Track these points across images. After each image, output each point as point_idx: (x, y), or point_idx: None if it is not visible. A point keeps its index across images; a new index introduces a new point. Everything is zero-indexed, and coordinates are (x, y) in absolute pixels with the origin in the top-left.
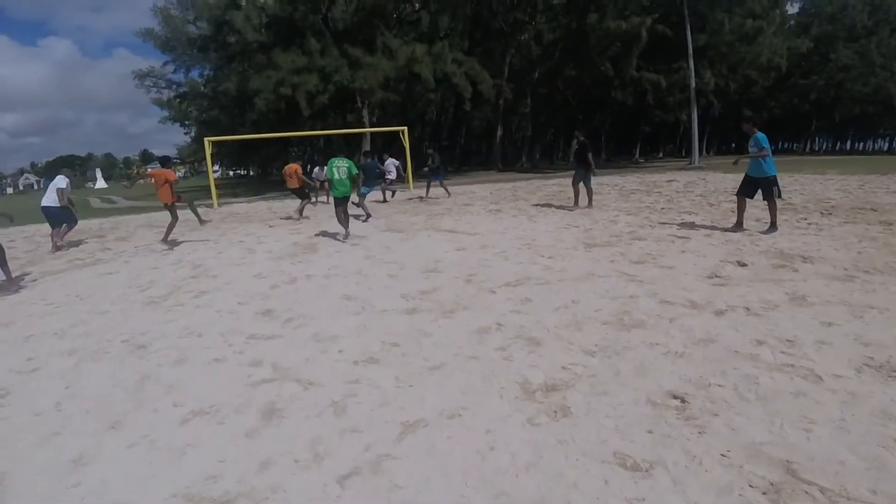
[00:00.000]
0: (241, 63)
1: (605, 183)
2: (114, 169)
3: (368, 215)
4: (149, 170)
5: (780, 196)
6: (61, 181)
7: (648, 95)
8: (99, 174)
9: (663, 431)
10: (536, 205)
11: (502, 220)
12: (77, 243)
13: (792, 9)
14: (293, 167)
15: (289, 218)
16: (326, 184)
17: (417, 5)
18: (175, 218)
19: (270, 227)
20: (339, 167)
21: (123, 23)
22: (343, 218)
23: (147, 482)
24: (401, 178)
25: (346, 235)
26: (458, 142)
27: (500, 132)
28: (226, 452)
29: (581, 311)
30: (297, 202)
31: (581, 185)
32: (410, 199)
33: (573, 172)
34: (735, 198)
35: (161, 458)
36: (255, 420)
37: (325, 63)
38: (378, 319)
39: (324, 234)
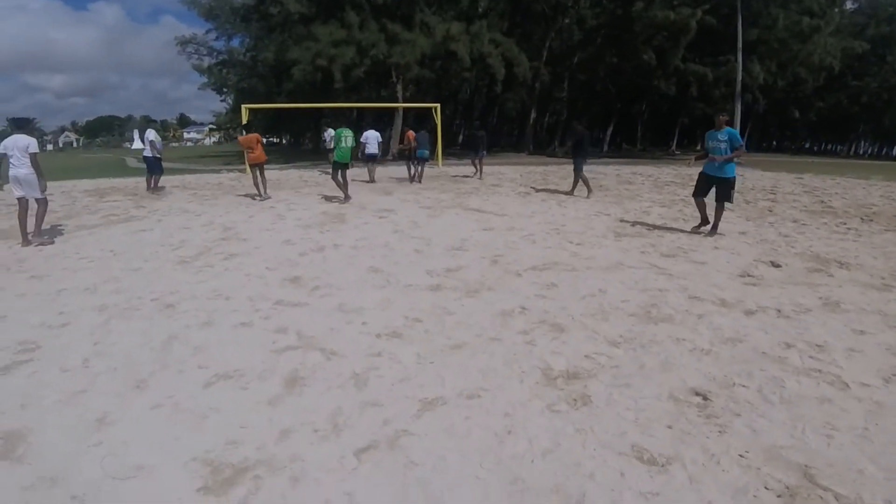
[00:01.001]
0: (281, 33)
1: (640, 173)
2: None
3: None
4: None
5: (731, 202)
6: (150, 134)
7: (692, 87)
8: (136, 135)
9: (683, 428)
10: (567, 191)
11: (531, 203)
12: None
13: (849, 7)
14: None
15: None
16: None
17: None
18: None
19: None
20: (346, 136)
21: None
22: (343, 182)
23: (168, 445)
24: (385, 154)
25: (346, 198)
26: (490, 122)
27: (533, 115)
28: (247, 419)
29: (608, 300)
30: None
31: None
32: (437, 175)
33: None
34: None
35: (183, 421)
36: (277, 387)
37: (363, 37)
38: (403, 294)
39: (353, 204)
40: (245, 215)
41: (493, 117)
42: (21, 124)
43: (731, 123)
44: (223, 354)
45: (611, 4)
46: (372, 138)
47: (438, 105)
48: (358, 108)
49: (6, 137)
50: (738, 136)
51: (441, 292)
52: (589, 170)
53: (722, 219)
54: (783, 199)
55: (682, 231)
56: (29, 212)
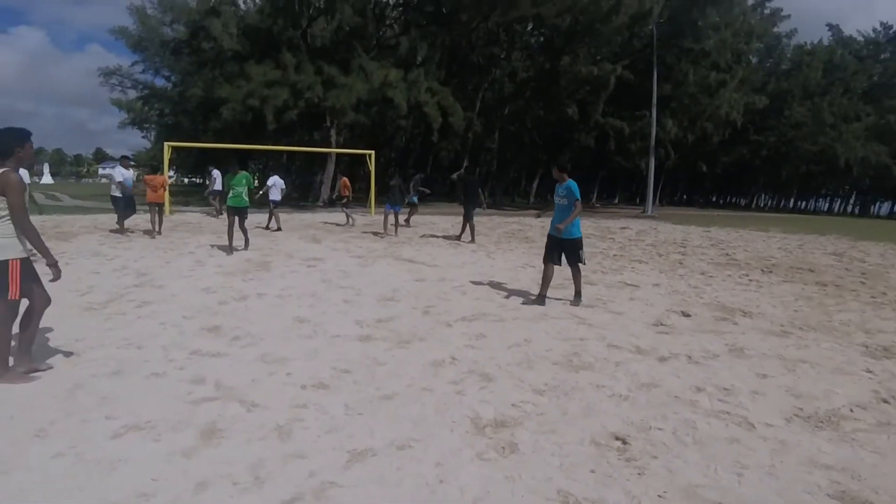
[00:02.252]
0: (212, 70)
1: None
2: (63, 165)
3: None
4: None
5: (583, 262)
6: (119, 172)
7: (611, 141)
8: (46, 169)
9: (605, 471)
10: (495, 241)
11: (462, 253)
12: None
13: (753, 61)
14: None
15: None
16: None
17: (398, 30)
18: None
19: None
20: (242, 180)
21: (102, 18)
22: (234, 230)
23: (71, 494)
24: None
25: (230, 249)
26: (424, 171)
27: (465, 165)
28: (160, 470)
29: (533, 350)
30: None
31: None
32: (370, 224)
33: (464, 208)
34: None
35: (88, 471)
36: (193, 439)
37: (299, 79)
38: (330, 344)
39: (279, 252)
40: (162, 260)
41: (427, 166)
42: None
43: (571, 175)
44: (133, 405)
45: (540, 58)
46: (276, 184)
47: (373, 152)
48: (289, 152)
49: None
50: (576, 190)
51: (371, 343)
52: (517, 221)
53: (637, 271)
54: (692, 252)
55: (600, 283)
56: None
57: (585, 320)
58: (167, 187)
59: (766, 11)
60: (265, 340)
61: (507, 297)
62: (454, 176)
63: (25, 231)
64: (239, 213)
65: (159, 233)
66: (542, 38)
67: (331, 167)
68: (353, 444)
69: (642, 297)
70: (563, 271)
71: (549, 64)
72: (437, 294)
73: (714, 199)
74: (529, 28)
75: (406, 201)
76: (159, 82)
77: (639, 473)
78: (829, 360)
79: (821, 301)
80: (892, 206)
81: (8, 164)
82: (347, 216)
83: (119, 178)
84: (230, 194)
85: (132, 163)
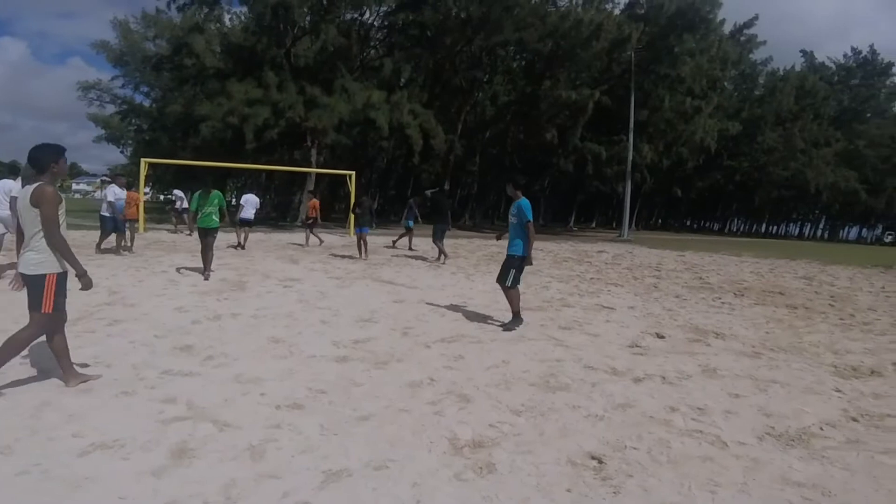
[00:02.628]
0: (193, 87)
1: (541, 248)
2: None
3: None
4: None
5: (512, 285)
6: (113, 191)
7: (589, 165)
8: (19, 184)
9: (581, 491)
10: (474, 264)
11: (441, 276)
12: None
13: (728, 88)
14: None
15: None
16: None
17: (382, 52)
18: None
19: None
20: (216, 199)
21: (85, 31)
22: (208, 254)
23: None
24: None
25: (207, 274)
26: (405, 193)
27: (446, 187)
28: (128, 489)
29: (510, 371)
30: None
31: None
32: (348, 245)
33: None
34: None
35: (54, 489)
36: (163, 458)
37: (281, 98)
38: (306, 365)
39: (255, 272)
40: (134, 279)
41: (408, 188)
42: (13, 170)
43: (525, 192)
44: (101, 423)
45: (521, 82)
46: (250, 203)
47: (353, 172)
48: (268, 170)
49: None
50: (527, 210)
51: (348, 363)
52: (496, 244)
53: (613, 294)
54: (667, 276)
55: (577, 306)
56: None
57: (562, 342)
58: (140, 204)
59: (743, 38)
60: (239, 360)
61: (485, 318)
62: (427, 192)
63: (56, 243)
64: (208, 234)
65: (131, 250)
66: (523, 63)
67: (310, 187)
68: (328, 465)
69: (618, 320)
70: (541, 292)
71: (530, 88)
72: (416, 315)
73: (689, 223)
74: (511, 52)
75: (403, 224)
76: (138, 98)
77: (614, 492)
78: (799, 381)
79: (791, 323)
80: (860, 231)
81: (43, 178)
82: (307, 237)
83: (111, 198)
84: (200, 215)
85: (106, 178)
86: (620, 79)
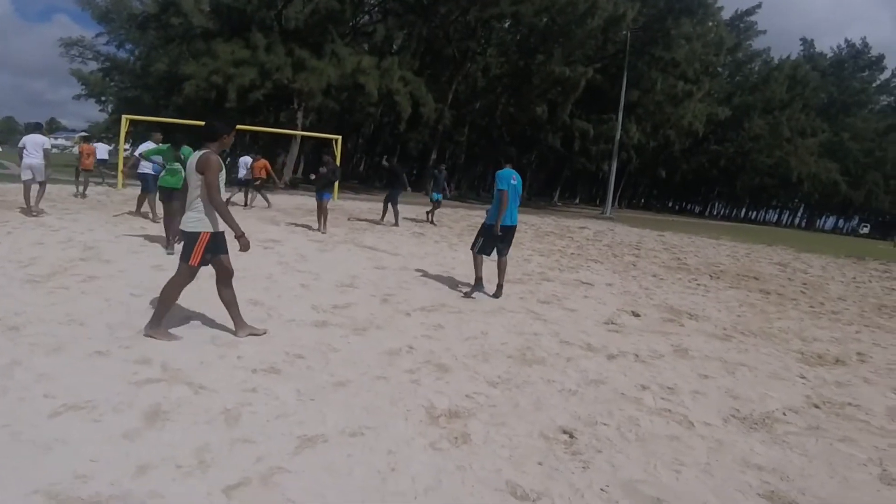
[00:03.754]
0: (178, 46)
1: (524, 222)
2: (13, 134)
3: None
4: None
5: (479, 251)
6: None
7: (576, 142)
8: (47, 137)
9: (552, 464)
10: (458, 234)
11: (424, 244)
12: None
13: (721, 72)
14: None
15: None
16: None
17: (376, 17)
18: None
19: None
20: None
21: None
22: (168, 217)
23: (6, 474)
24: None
25: (169, 243)
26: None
27: (434, 156)
28: (99, 452)
29: (489, 342)
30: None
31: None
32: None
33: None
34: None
35: (24, 452)
36: (135, 421)
37: (268, 59)
38: (284, 329)
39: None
40: (111, 234)
41: (395, 156)
42: (35, 127)
43: (511, 163)
44: (73, 383)
45: (515, 55)
46: (242, 164)
47: (339, 137)
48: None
49: (25, 136)
50: (498, 180)
51: (327, 328)
52: (480, 214)
53: (592, 270)
54: (646, 255)
55: (556, 280)
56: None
57: (541, 316)
58: (94, 154)
59: (743, 25)
60: (215, 322)
61: (466, 288)
62: (384, 163)
63: (216, 206)
64: (172, 197)
65: (86, 195)
66: (518, 36)
67: (295, 149)
68: (303, 430)
69: (596, 296)
70: (522, 265)
71: (523, 62)
72: (397, 283)
73: (671, 204)
74: (507, 25)
75: (430, 198)
76: (122, 55)
77: (583, 467)
78: (766, 365)
79: (763, 308)
80: (837, 221)
81: (211, 146)
82: (250, 197)
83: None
84: (163, 173)
85: (85, 134)
86: (614, 58)
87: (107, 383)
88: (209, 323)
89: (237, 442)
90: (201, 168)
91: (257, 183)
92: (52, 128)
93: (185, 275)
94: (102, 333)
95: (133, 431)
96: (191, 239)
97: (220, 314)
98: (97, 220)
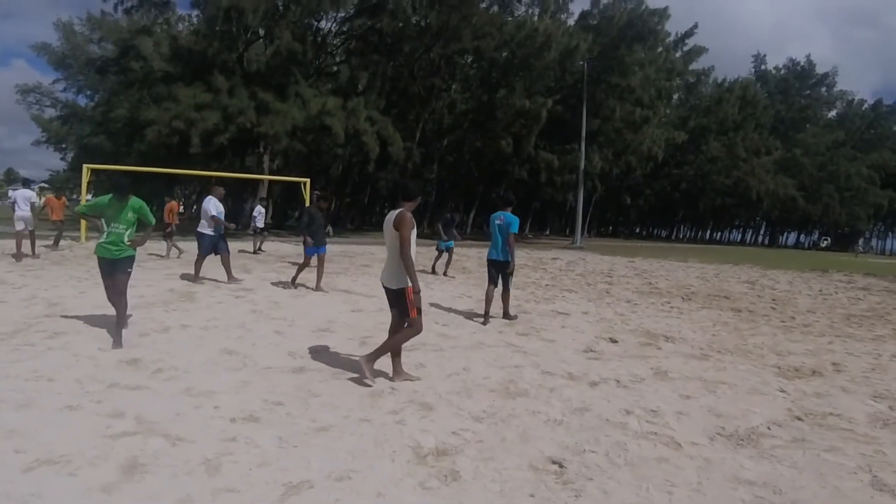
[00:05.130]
0: (139, 90)
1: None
2: (15, 184)
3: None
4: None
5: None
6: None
7: (542, 174)
8: (34, 191)
9: (543, 495)
10: (434, 272)
11: None
12: None
13: (675, 99)
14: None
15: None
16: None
17: (339, 58)
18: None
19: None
20: (130, 210)
21: (28, 33)
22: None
23: None
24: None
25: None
26: (361, 201)
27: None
28: None
29: (471, 378)
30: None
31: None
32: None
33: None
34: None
35: None
36: (113, 474)
37: (231, 103)
38: (261, 376)
39: (204, 282)
40: (76, 290)
41: (364, 196)
42: (26, 183)
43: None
44: (45, 439)
45: (478, 90)
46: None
47: (308, 180)
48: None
49: (16, 191)
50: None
51: (305, 374)
52: (454, 251)
53: (568, 300)
54: (618, 282)
55: (533, 312)
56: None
57: (520, 348)
58: (65, 206)
59: (685, 47)
60: (190, 373)
61: (445, 326)
62: (316, 196)
63: (405, 260)
64: (116, 268)
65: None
66: (480, 72)
67: (263, 194)
68: (287, 478)
69: (573, 325)
70: (498, 300)
71: (487, 96)
72: (375, 325)
73: (638, 230)
74: (469, 60)
75: (437, 246)
76: (81, 101)
77: (576, 496)
78: (745, 381)
79: (736, 326)
80: (798, 237)
81: (406, 206)
82: (169, 248)
83: (213, 212)
84: (103, 237)
85: (45, 185)
86: (573, 88)
87: (80, 437)
88: (182, 375)
89: (220, 492)
90: (398, 224)
91: (168, 230)
92: (9, 179)
93: (412, 327)
94: (72, 388)
95: (111, 485)
96: (398, 296)
97: (191, 365)
98: (60, 276)
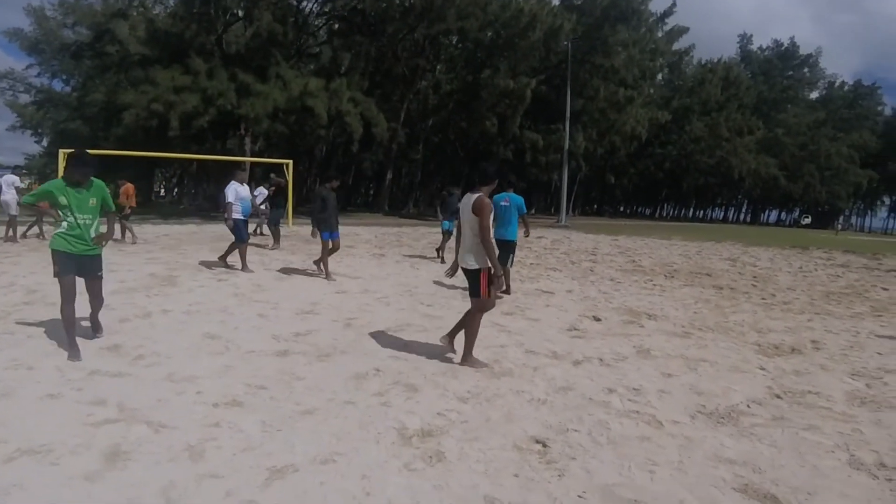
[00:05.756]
0: (116, 74)
1: None
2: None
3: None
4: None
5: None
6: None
7: (527, 154)
8: (16, 176)
9: (527, 475)
10: (421, 252)
11: (385, 265)
12: None
13: (659, 79)
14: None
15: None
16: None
17: (321, 39)
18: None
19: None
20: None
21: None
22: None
23: None
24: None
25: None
26: (345, 181)
27: (389, 176)
28: (59, 495)
29: (456, 358)
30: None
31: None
32: (286, 235)
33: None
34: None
35: None
36: (96, 462)
37: (210, 85)
38: (244, 361)
39: (186, 266)
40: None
41: (349, 177)
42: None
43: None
44: (26, 428)
45: (463, 71)
46: (260, 194)
47: (290, 161)
48: (200, 160)
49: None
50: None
51: (289, 357)
52: (439, 231)
53: (552, 279)
54: (602, 260)
55: (518, 291)
56: None
57: (505, 327)
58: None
59: (666, 27)
60: (172, 359)
61: (429, 307)
62: (278, 180)
63: (485, 244)
64: (82, 266)
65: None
66: (465, 52)
67: (245, 177)
68: (271, 462)
69: (557, 304)
70: None
71: (472, 77)
72: (359, 306)
73: (622, 209)
74: (454, 41)
75: (443, 228)
76: (56, 86)
77: (559, 475)
78: (726, 359)
79: (717, 303)
80: (780, 214)
81: (483, 189)
82: (123, 231)
83: (230, 198)
84: (62, 227)
85: (21, 168)
86: (557, 68)
87: (62, 426)
88: (164, 360)
89: (204, 477)
90: (477, 210)
91: (126, 212)
92: None
93: (480, 308)
94: (53, 376)
95: (94, 473)
96: (475, 275)
97: (173, 351)
98: (39, 262)
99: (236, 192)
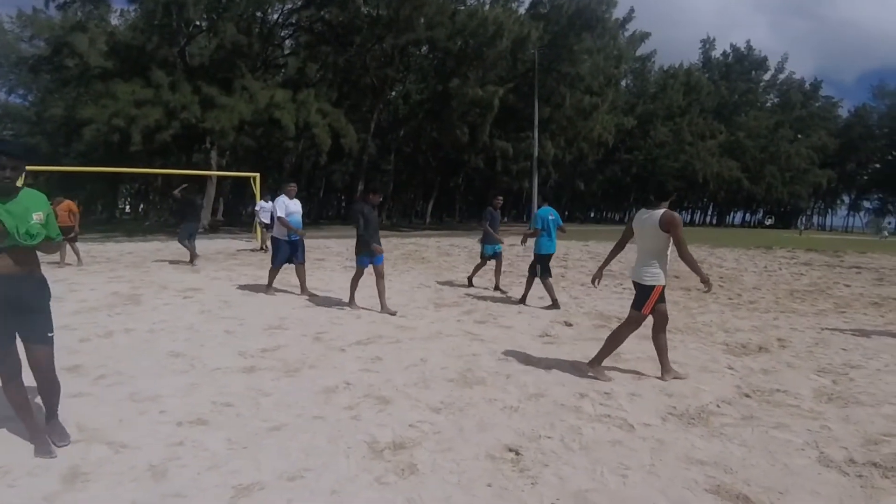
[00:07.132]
0: (75, 89)
1: (457, 245)
2: None
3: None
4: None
5: (546, 277)
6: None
7: (498, 162)
8: None
9: (501, 484)
10: (392, 263)
11: None
12: None
13: (623, 85)
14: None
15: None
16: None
17: (287, 50)
18: None
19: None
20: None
21: None
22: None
23: None
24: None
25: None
26: (315, 194)
27: (361, 187)
28: None
29: (429, 369)
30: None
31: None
32: (254, 250)
33: (181, 229)
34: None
35: None
36: (54, 483)
37: (173, 98)
38: (210, 378)
39: (151, 283)
40: None
41: (319, 189)
42: None
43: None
44: None
45: (433, 80)
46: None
47: (258, 175)
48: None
49: None
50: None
51: (256, 373)
52: (413, 242)
53: (524, 286)
54: (573, 265)
55: (490, 299)
56: None
57: (478, 336)
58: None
59: (628, 33)
60: (135, 378)
61: (402, 318)
62: (176, 192)
63: (688, 259)
64: (21, 304)
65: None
66: (434, 61)
67: (211, 191)
68: (237, 480)
69: (529, 311)
70: (457, 288)
71: (441, 86)
72: (329, 319)
73: (592, 215)
74: (423, 50)
75: (482, 252)
76: (14, 101)
77: (532, 483)
78: (695, 360)
79: (686, 305)
80: (744, 216)
81: (664, 205)
82: (63, 255)
83: (280, 212)
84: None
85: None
86: (525, 77)
87: (17, 449)
88: (126, 380)
89: (167, 497)
90: (666, 227)
91: (72, 234)
92: None
93: (635, 321)
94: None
95: (52, 494)
96: (646, 291)
97: (136, 370)
98: None
99: (286, 206)
